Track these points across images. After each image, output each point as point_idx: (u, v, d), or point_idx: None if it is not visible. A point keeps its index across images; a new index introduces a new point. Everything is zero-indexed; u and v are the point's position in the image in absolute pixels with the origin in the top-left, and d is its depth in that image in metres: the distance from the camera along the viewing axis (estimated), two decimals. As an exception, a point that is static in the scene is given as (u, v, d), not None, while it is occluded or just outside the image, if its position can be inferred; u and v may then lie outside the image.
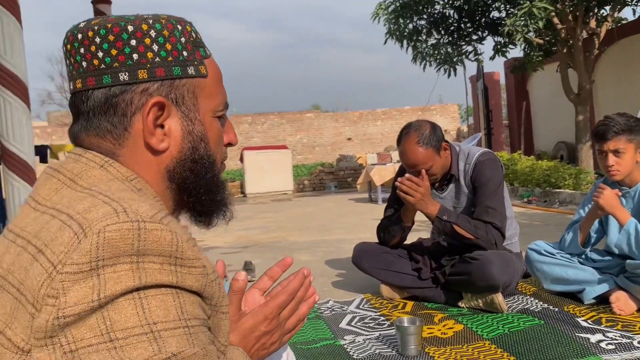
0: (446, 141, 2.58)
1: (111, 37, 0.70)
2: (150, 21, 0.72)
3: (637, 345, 1.92)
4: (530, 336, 2.09)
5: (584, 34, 8.31)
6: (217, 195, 0.79)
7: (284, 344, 0.89)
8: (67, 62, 0.73)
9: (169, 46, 0.72)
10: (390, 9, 9.18)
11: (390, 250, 2.78)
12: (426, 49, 9.52)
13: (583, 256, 2.56)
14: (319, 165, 14.82)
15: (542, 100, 12.59)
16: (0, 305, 0.62)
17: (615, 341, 1.97)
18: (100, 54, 0.70)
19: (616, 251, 2.40)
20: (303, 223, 6.61)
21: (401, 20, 9.23)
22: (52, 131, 15.31)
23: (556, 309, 2.39)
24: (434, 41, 9.59)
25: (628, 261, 2.31)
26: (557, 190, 7.26)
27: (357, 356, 2.03)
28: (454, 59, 9.46)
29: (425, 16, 9.43)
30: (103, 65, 0.70)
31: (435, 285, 2.65)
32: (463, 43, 9.60)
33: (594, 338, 2.01)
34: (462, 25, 9.53)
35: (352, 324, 2.44)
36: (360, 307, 2.69)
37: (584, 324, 2.19)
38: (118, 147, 0.72)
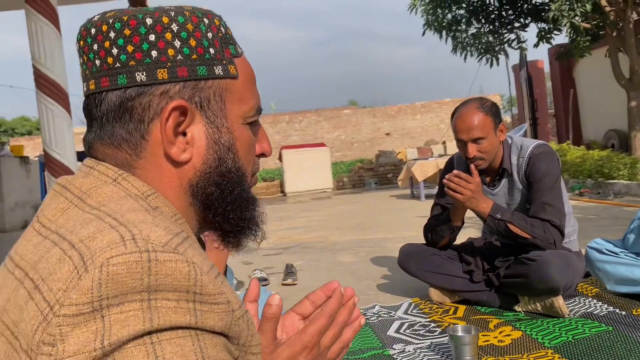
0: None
1: (127, 32, 0.61)
2: (172, 13, 0.62)
3: None
4: (598, 345, 1.92)
5: (635, 16, 7.88)
6: (246, 212, 0.69)
7: None
8: (80, 60, 0.65)
9: (193, 42, 0.62)
10: (427, 0, 8.96)
11: (439, 252, 2.63)
12: (466, 39, 9.27)
13: (650, 254, 2.36)
14: (357, 161, 14.67)
15: (590, 87, 12.06)
16: None
17: (696, 350, 1.78)
18: (114, 51, 0.61)
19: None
20: (344, 221, 6.50)
21: (439, 11, 9.00)
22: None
23: (623, 313, 2.20)
24: (475, 30, 9.32)
25: None
26: (611, 181, 6.92)
27: (408, 367, 1.91)
28: (496, 48, 9.16)
29: (464, 5, 9.16)
30: (118, 64, 0.61)
31: (488, 288, 2.49)
32: (505, 31, 9.30)
33: (671, 347, 1.83)
34: (504, 12, 9.23)
35: (401, 331, 2.31)
36: (409, 312, 2.56)
37: (658, 330, 2.00)
38: (135, 157, 0.63)
